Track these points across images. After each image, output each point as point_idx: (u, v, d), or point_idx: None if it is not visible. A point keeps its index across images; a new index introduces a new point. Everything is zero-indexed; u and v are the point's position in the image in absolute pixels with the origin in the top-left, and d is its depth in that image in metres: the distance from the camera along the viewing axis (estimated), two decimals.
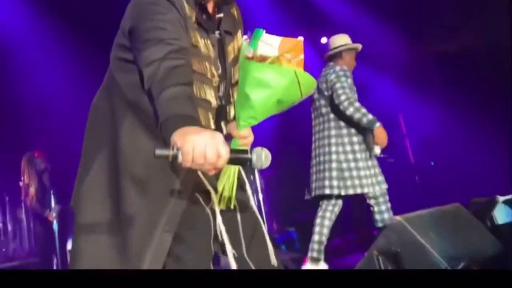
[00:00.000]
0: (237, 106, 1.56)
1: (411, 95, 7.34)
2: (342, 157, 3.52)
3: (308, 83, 1.50)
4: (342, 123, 3.59)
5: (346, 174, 3.46)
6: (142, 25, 1.43)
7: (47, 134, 6.88)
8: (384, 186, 3.50)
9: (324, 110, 3.68)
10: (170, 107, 1.26)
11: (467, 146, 6.24)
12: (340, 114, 3.55)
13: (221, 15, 1.62)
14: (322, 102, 3.69)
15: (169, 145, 1.17)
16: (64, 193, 5.20)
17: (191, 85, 1.38)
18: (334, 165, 3.51)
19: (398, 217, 2.54)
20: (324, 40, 8.48)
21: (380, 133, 3.38)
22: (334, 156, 3.54)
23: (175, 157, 1.14)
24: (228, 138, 1.60)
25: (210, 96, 1.55)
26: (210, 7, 1.59)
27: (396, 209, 3.38)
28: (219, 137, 1.17)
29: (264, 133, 9.05)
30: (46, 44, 7.01)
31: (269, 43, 1.49)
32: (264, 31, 1.51)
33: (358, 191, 3.45)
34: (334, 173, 3.49)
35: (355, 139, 3.56)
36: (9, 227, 6.85)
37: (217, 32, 1.63)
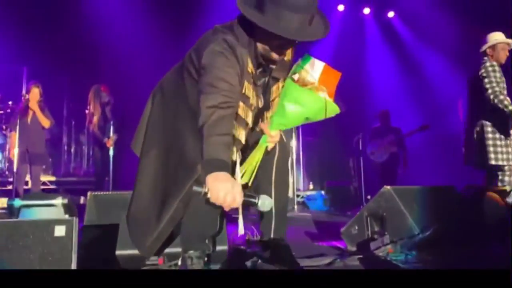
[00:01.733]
0: (275, 112, 2.05)
1: None
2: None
3: (333, 110, 2.00)
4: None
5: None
6: (211, 71, 1.83)
7: (114, 72, 7.56)
8: None
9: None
10: (211, 151, 1.72)
11: None
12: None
13: (273, 66, 2.03)
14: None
15: (203, 182, 1.69)
16: (122, 124, 5.79)
17: (231, 135, 1.84)
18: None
19: (388, 187, 2.96)
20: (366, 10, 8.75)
21: None
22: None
23: (205, 194, 1.68)
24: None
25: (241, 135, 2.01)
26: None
27: None
28: (237, 187, 1.68)
29: None
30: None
31: (313, 71, 1.93)
32: (312, 58, 1.95)
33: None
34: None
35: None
36: (72, 148, 7.71)
37: (264, 79, 2.07)
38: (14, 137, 5.40)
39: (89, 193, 2.60)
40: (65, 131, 7.67)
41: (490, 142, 4.02)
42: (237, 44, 1.87)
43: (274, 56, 1.93)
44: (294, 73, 1.94)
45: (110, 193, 2.74)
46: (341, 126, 9.04)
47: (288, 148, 2.30)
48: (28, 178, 5.53)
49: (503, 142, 4.02)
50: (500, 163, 3.99)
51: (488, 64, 4.05)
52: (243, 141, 2.01)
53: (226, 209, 1.69)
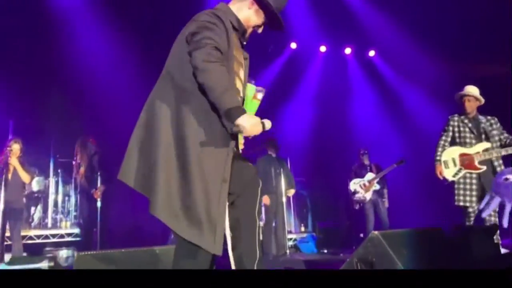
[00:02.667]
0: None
1: None
2: None
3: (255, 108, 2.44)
4: None
5: None
6: (202, 31, 2.08)
7: (101, 123, 7.60)
8: None
9: None
10: (231, 101, 2.02)
11: None
12: None
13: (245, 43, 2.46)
14: None
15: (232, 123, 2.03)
16: (109, 175, 5.78)
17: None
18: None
19: (376, 232, 2.97)
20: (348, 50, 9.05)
21: None
22: None
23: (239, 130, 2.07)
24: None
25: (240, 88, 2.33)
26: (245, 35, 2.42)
27: None
28: (258, 121, 2.08)
29: (300, 146, 9.56)
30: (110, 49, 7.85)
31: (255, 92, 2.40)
32: (255, 87, 2.39)
33: None
34: None
35: None
36: (59, 200, 7.62)
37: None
38: None
39: (76, 254, 2.57)
40: (52, 183, 7.61)
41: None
42: (224, 16, 2.21)
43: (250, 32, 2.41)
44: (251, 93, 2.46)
45: (97, 252, 2.71)
46: (329, 166, 9.14)
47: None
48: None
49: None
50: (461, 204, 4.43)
51: None
52: (241, 94, 2.33)
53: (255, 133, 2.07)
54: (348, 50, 10.96)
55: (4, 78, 7.30)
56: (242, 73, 2.35)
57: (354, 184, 7.14)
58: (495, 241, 3.68)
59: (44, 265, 2.50)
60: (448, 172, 4.54)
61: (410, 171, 8.66)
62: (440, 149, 4.63)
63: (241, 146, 2.38)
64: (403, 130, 9.78)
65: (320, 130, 10.07)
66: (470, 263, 3.18)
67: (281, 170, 6.52)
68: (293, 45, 10.70)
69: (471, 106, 4.63)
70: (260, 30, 2.45)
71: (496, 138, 4.50)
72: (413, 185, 8.80)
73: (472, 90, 4.68)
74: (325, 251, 7.36)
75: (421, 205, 8.54)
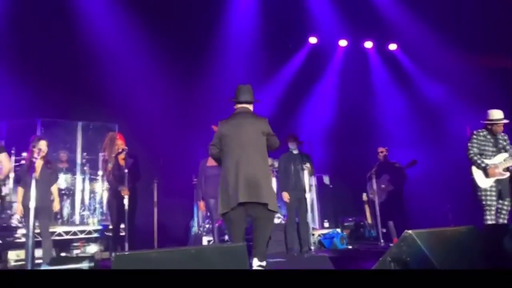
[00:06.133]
0: None
1: None
2: None
3: None
4: None
5: None
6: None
7: (127, 121, 7.72)
8: None
9: None
10: None
11: None
12: None
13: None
14: None
15: None
16: (137, 173, 5.84)
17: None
18: None
19: (410, 231, 2.96)
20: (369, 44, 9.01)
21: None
22: None
23: None
24: None
25: None
26: None
27: None
28: None
29: (322, 141, 9.54)
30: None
31: None
32: None
33: None
34: None
35: None
36: (86, 197, 7.74)
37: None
38: (21, 192, 5.54)
39: (113, 254, 2.61)
40: (79, 179, 7.73)
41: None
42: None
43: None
44: None
45: (133, 252, 2.76)
46: (351, 161, 9.09)
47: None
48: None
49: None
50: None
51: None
52: None
53: None
54: (369, 44, 10.85)
55: (31, 78, 7.44)
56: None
57: (370, 185, 7.37)
58: None
59: (84, 265, 2.56)
60: (482, 182, 5.16)
61: (431, 166, 8.58)
62: (476, 157, 5.18)
63: None
64: (425, 126, 9.67)
65: (342, 126, 10.02)
66: (504, 260, 3.15)
67: (302, 166, 6.48)
68: (313, 40, 10.63)
69: (500, 129, 5.25)
70: None
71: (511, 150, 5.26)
72: (433, 182, 8.71)
73: (500, 115, 5.24)
74: (350, 247, 7.34)
75: (439, 204, 8.47)
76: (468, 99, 8.32)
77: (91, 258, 2.49)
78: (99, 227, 7.12)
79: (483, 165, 5.12)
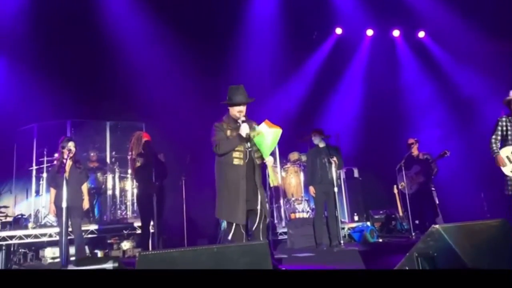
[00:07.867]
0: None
1: None
2: None
3: (279, 132, 4.13)
4: None
5: None
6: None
7: (153, 120, 7.82)
8: None
9: None
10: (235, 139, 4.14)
11: None
12: None
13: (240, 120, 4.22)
14: None
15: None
16: (164, 171, 5.91)
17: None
18: None
19: (436, 226, 2.87)
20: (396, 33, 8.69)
21: None
22: None
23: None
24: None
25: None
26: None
27: None
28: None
29: (350, 134, 9.41)
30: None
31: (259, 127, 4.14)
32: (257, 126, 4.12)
33: None
34: None
35: None
36: (116, 194, 7.90)
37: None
38: (53, 193, 5.67)
39: (138, 253, 2.65)
40: (109, 178, 7.89)
41: None
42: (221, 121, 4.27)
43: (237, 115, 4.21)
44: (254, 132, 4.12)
45: (158, 252, 2.79)
46: (380, 153, 8.93)
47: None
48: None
49: None
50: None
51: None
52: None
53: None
54: (396, 32, 10.61)
55: (59, 81, 7.63)
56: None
57: (400, 177, 7.25)
58: None
59: (109, 265, 2.60)
60: (507, 169, 5.07)
61: (464, 156, 8.35)
62: (494, 145, 5.11)
63: None
64: (457, 115, 9.40)
65: (370, 117, 9.85)
66: None
67: (328, 159, 6.39)
68: (339, 31, 10.47)
69: None
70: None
71: None
72: (466, 173, 8.48)
73: None
74: (380, 240, 7.23)
75: (474, 195, 8.24)
76: (503, 86, 8.02)
77: (115, 258, 2.54)
78: (130, 224, 7.25)
79: (494, 152, 5.07)
